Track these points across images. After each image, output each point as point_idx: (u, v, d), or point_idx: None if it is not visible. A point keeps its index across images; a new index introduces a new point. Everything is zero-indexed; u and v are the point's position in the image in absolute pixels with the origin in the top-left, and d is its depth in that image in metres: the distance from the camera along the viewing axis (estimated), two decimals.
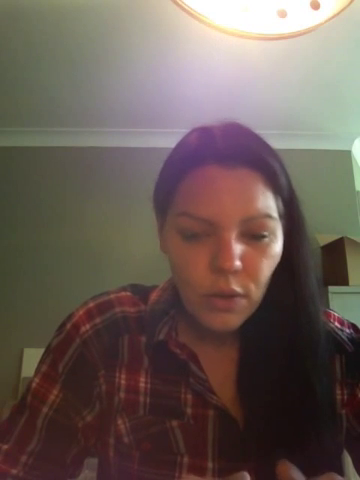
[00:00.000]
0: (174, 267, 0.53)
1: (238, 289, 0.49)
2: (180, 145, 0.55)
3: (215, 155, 0.49)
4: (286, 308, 0.53)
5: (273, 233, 0.50)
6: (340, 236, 2.20)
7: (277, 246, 0.51)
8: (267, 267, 0.50)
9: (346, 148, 2.68)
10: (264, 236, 0.49)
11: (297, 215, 0.55)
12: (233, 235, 0.48)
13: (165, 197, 0.53)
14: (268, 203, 0.49)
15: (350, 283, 2.11)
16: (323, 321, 0.58)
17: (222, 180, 0.48)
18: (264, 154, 0.50)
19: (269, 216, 0.49)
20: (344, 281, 2.13)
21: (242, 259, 0.48)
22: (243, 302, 0.50)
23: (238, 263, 0.47)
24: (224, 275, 0.48)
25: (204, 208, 0.48)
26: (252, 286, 0.49)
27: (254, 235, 0.49)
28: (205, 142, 0.51)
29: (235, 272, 0.48)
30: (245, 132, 0.53)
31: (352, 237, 2.17)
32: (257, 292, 0.50)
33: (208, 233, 0.49)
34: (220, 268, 0.47)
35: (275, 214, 0.50)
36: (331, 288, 2.10)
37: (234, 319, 0.51)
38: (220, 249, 0.47)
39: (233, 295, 0.49)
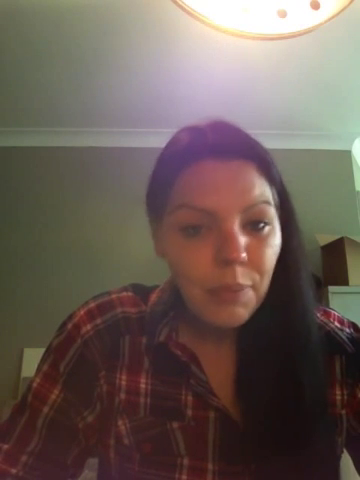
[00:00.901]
0: (175, 266, 0.52)
1: (245, 282, 0.48)
2: (171, 144, 0.55)
3: (208, 149, 0.49)
4: (278, 302, 0.53)
5: (272, 222, 0.50)
6: (340, 236, 2.20)
7: (277, 236, 0.51)
8: (270, 257, 0.50)
9: (346, 148, 2.68)
10: (265, 225, 0.49)
11: (288, 208, 0.55)
12: (236, 225, 0.47)
13: (160, 197, 0.53)
14: (265, 190, 0.50)
15: (350, 283, 2.11)
16: (314, 318, 0.57)
17: (218, 172, 0.49)
18: (255, 145, 0.52)
19: (267, 202, 0.50)
20: (344, 281, 2.13)
21: (246, 250, 0.48)
22: (250, 294, 0.49)
23: (244, 254, 0.47)
24: (231, 268, 0.47)
25: (203, 198, 0.48)
26: (257, 277, 0.49)
27: (255, 225, 0.49)
28: (196, 138, 0.51)
29: (242, 263, 0.47)
30: (233, 126, 0.54)
31: (352, 237, 2.17)
32: (262, 284, 0.50)
33: (209, 226, 0.48)
34: (226, 259, 0.46)
35: (272, 201, 0.51)
36: (331, 288, 2.10)
37: (242, 312, 0.49)
38: (225, 240, 0.47)
39: (239, 288, 0.48)
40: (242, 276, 0.47)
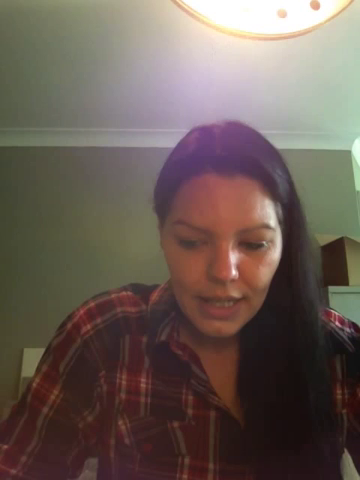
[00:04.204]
0: (170, 270, 0.53)
1: (236, 295, 0.49)
2: (179, 147, 0.54)
3: (213, 162, 0.48)
4: (284, 311, 0.53)
5: (271, 241, 0.49)
6: (340, 236, 2.20)
7: (275, 253, 0.50)
8: (265, 274, 0.50)
9: (346, 148, 2.68)
10: (262, 246, 0.49)
11: (297, 219, 0.54)
12: (230, 244, 0.47)
13: (164, 201, 0.53)
14: (266, 212, 0.48)
15: (350, 283, 2.11)
16: (322, 324, 0.58)
17: (219, 189, 0.47)
18: (263, 160, 0.49)
19: (267, 226, 0.48)
20: (344, 281, 2.13)
21: (239, 267, 0.48)
22: (242, 307, 0.50)
23: (234, 272, 0.47)
24: (221, 283, 0.47)
25: (201, 217, 0.47)
26: (250, 292, 0.49)
27: (251, 244, 0.49)
28: (204, 146, 0.50)
29: (231, 281, 0.47)
30: (246, 134, 0.53)
31: (352, 237, 2.17)
32: (256, 297, 0.50)
33: (205, 241, 0.48)
34: (216, 278, 0.47)
35: (273, 223, 0.49)
36: (331, 288, 2.10)
37: (230, 326, 0.50)
38: (216, 258, 0.47)
39: (230, 300, 0.49)
40: (232, 290, 0.48)
